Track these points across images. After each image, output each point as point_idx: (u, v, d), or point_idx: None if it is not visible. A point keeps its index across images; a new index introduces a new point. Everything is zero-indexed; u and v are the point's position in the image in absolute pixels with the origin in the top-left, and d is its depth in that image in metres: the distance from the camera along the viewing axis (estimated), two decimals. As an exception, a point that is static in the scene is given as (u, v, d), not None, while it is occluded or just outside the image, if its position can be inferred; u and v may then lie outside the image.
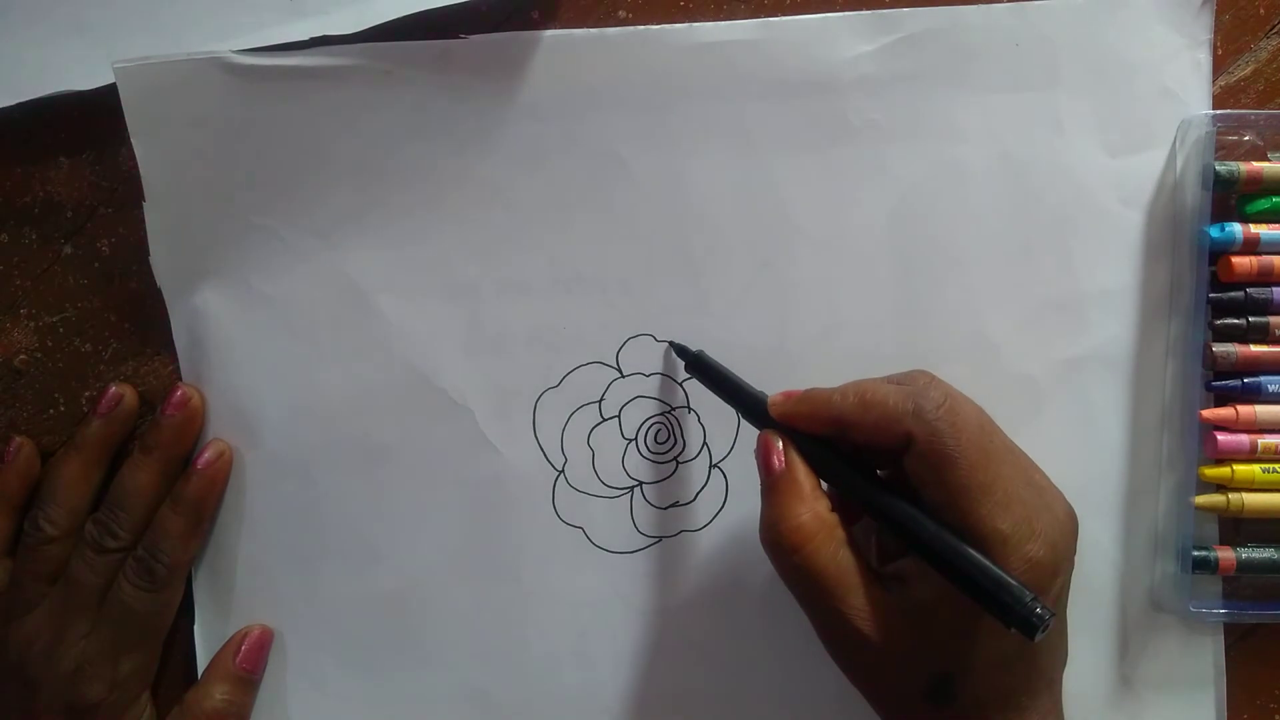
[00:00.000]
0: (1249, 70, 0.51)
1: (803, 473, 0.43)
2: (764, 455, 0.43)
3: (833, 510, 0.42)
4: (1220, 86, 0.50)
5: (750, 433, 0.49)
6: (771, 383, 0.49)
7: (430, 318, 0.50)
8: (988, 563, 0.38)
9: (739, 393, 0.47)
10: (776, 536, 0.42)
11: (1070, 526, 0.42)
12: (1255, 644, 0.50)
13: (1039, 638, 0.37)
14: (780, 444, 0.43)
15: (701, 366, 0.48)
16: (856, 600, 0.41)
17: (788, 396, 0.44)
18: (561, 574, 0.50)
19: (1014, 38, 0.49)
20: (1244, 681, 0.50)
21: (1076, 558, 0.47)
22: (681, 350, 0.49)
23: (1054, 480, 0.48)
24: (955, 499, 0.39)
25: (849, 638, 0.41)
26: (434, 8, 0.48)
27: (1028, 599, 0.37)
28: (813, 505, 0.42)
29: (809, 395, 0.43)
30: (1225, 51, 0.50)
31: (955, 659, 0.40)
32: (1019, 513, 0.39)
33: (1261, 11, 0.50)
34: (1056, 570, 0.40)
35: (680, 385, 0.50)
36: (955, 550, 0.39)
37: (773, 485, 0.43)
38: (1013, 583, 0.37)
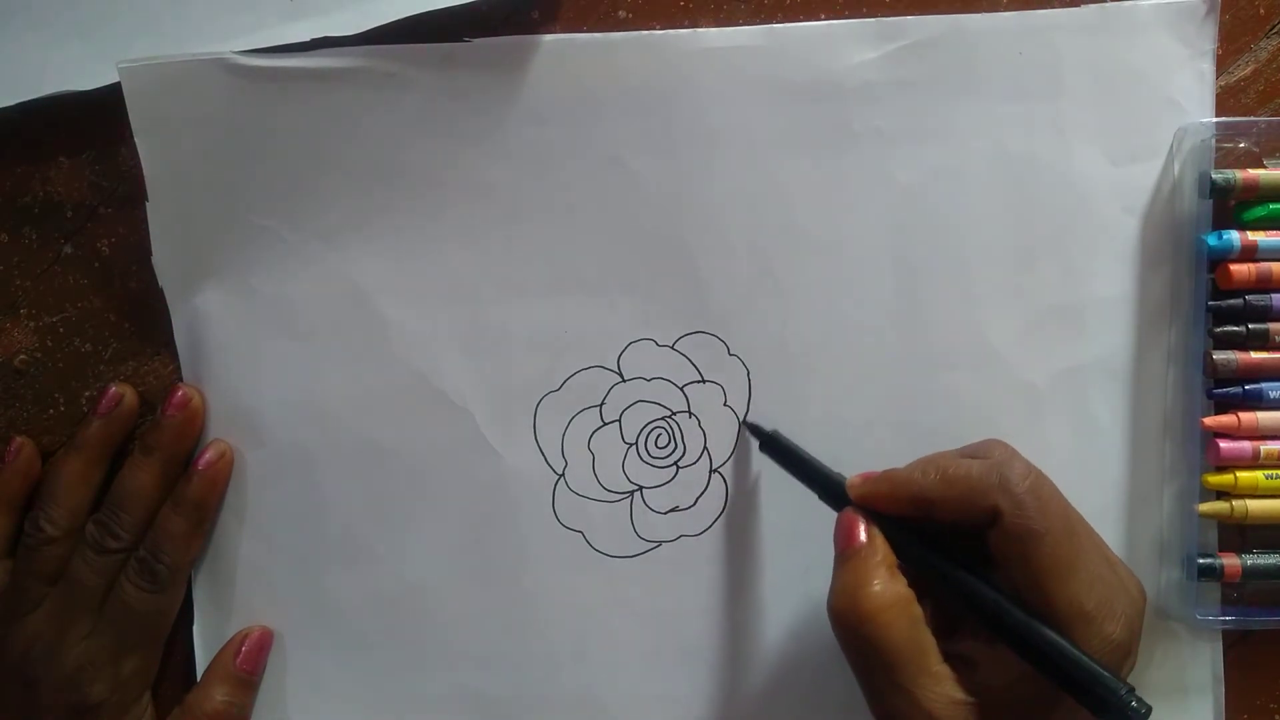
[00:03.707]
0: (1249, 70, 0.51)
1: (883, 548, 0.42)
2: (845, 530, 0.43)
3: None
4: (1220, 87, 0.50)
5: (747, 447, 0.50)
6: (774, 389, 0.50)
7: (431, 320, 0.50)
8: (1080, 653, 0.38)
9: (815, 474, 0.46)
10: (849, 604, 0.40)
11: (1143, 605, 0.41)
12: (1253, 646, 0.51)
13: None
14: (862, 522, 0.43)
15: (776, 446, 0.48)
16: (927, 681, 0.39)
17: (866, 478, 0.44)
18: (561, 577, 0.50)
19: (1017, 46, 0.49)
20: (1242, 684, 0.51)
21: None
22: (755, 429, 0.49)
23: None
24: (1039, 577, 0.39)
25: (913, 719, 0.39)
26: (434, 9, 0.47)
27: (1123, 691, 0.37)
28: (889, 580, 0.41)
29: (888, 475, 0.43)
30: (1225, 51, 0.50)
31: None
32: (1101, 592, 0.39)
33: (1261, 11, 0.50)
34: (1130, 651, 0.39)
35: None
36: (1046, 639, 0.38)
37: (850, 555, 0.42)
38: (1107, 674, 0.37)
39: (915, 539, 0.42)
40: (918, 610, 0.40)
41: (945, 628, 0.42)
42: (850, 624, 0.40)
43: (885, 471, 0.43)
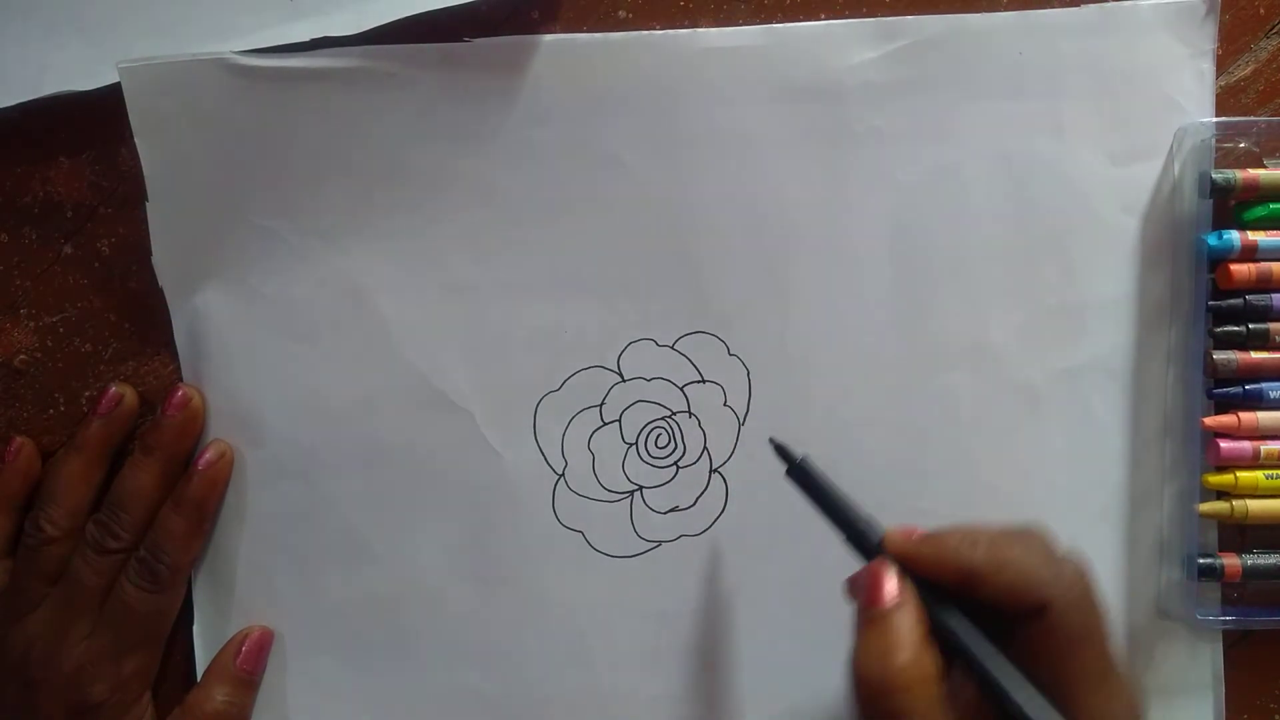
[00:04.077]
0: (1249, 70, 0.51)
1: (916, 614, 0.39)
2: (873, 585, 0.39)
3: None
4: (1220, 87, 0.50)
5: (754, 446, 0.50)
6: (774, 389, 0.50)
7: (431, 319, 0.50)
8: None
9: (847, 515, 0.43)
10: (878, 672, 0.37)
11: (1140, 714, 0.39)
12: (1253, 646, 0.51)
13: None
14: (895, 577, 0.40)
15: (804, 476, 0.44)
16: None
17: (908, 535, 0.41)
18: (561, 577, 0.50)
19: (1017, 46, 0.49)
20: (1242, 684, 0.51)
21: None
22: (783, 452, 0.45)
23: (1055, 488, 0.49)
24: (1073, 680, 0.37)
25: None
26: (433, 8, 0.47)
27: None
28: (920, 652, 0.38)
29: (936, 540, 0.40)
30: (1225, 51, 0.50)
31: None
32: (1124, 702, 0.38)
33: (1261, 11, 0.50)
34: None
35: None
36: None
37: (879, 615, 0.39)
38: None
39: (947, 611, 0.39)
40: (941, 687, 0.38)
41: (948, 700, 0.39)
42: (875, 692, 0.37)
43: (931, 534, 0.40)
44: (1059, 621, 0.37)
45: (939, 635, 0.39)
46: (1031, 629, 0.38)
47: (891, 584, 0.39)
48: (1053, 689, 0.37)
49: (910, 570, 0.40)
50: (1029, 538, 0.40)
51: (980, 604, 0.39)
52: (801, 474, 0.45)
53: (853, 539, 0.42)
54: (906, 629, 0.38)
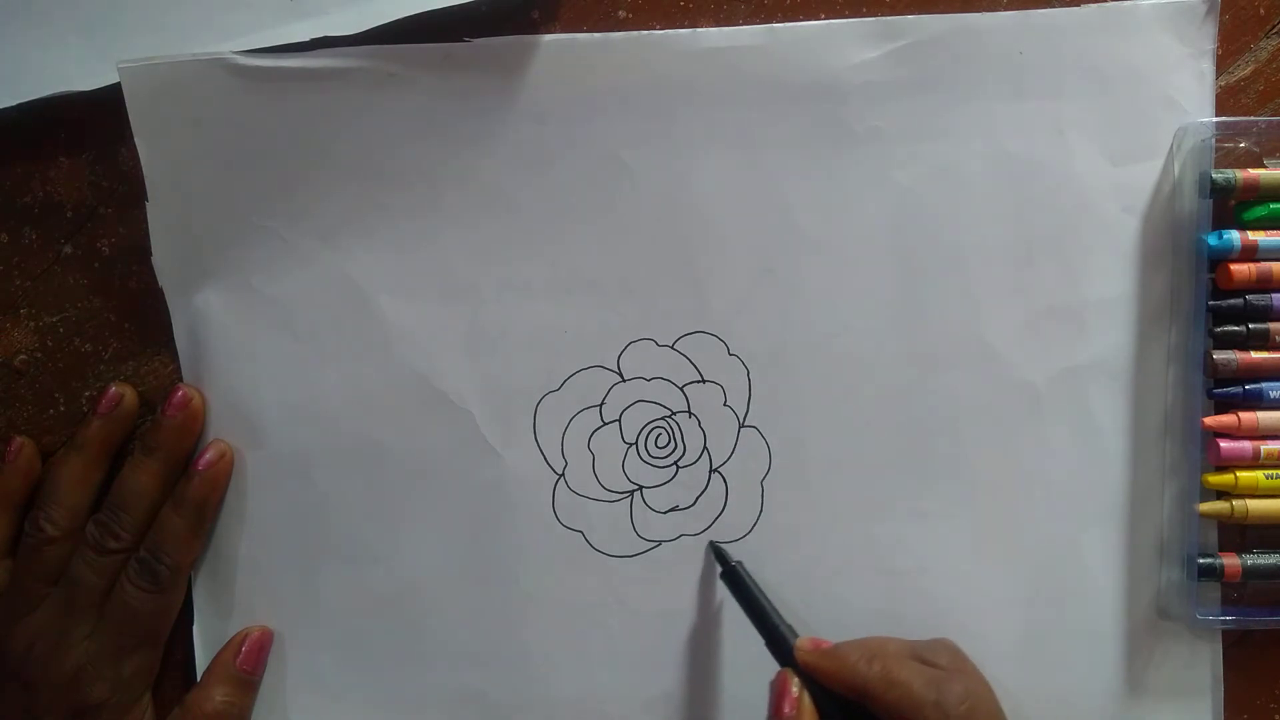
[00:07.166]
0: (1249, 70, 0.51)
1: None
2: (777, 697, 0.44)
3: None
4: (1220, 87, 0.50)
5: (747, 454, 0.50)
6: (774, 389, 0.50)
7: (431, 320, 0.50)
8: None
9: (767, 622, 0.46)
10: None
11: None
12: (1253, 646, 0.51)
13: None
14: (795, 690, 0.44)
15: (735, 580, 0.48)
16: None
17: (816, 645, 0.44)
18: (561, 577, 0.50)
19: (1018, 46, 0.49)
20: (1242, 684, 0.51)
21: (1080, 563, 0.48)
22: (720, 555, 0.49)
23: (1055, 488, 0.49)
24: None
25: None
26: (433, 8, 0.48)
27: None
28: None
29: (836, 653, 0.44)
30: (1225, 52, 0.50)
31: None
32: None
33: (1261, 11, 0.51)
34: None
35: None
36: None
37: None
38: None
39: (845, 716, 0.43)
40: None
41: None
42: None
43: (835, 648, 0.44)
44: None
45: None
46: None
47: (791, 697, 0.43)
48: None
49: (817, 680, 0.44)
50: (934, 654, 0.43)
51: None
52: (733, 578, 0.48)
53: (771, 644, 0.46)
54: None
